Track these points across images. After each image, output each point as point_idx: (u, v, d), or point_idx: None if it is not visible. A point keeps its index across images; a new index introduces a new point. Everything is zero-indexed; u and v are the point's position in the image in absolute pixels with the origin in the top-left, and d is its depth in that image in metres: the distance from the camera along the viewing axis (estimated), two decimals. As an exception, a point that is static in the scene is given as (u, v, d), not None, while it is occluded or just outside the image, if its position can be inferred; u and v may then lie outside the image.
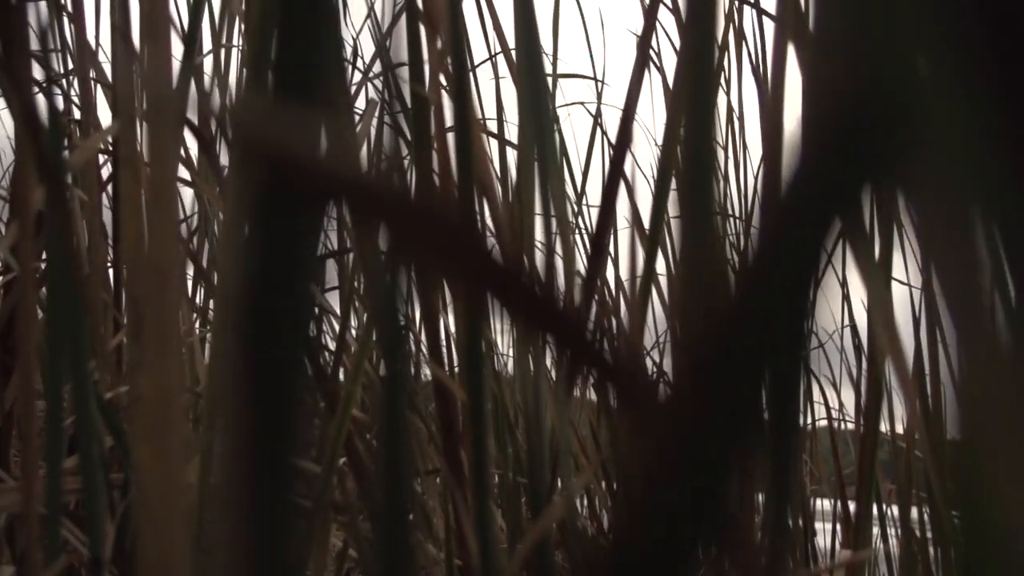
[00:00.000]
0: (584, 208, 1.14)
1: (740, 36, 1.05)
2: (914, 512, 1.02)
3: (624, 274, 0.97)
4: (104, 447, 0.55)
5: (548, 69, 1.03)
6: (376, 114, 0.78)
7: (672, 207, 0.59)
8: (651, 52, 1.07)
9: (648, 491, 0.15)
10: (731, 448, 0.14)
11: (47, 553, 0.49)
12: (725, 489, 0.14)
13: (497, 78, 0.87)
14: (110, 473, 0.56)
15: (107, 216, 0.93)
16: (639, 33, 0.65)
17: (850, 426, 1.36)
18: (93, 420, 0.43)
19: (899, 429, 1.09)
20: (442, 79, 0.57)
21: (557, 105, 1.11)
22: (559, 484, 0.57)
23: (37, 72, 0.64)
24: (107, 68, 0.96)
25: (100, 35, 1.06)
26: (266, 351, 0.13)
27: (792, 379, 0.14)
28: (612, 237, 1.04)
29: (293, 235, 0.13)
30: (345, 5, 1.13)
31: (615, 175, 0.56)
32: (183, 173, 0.91)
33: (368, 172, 0.11)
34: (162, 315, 0.29)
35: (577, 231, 1.17)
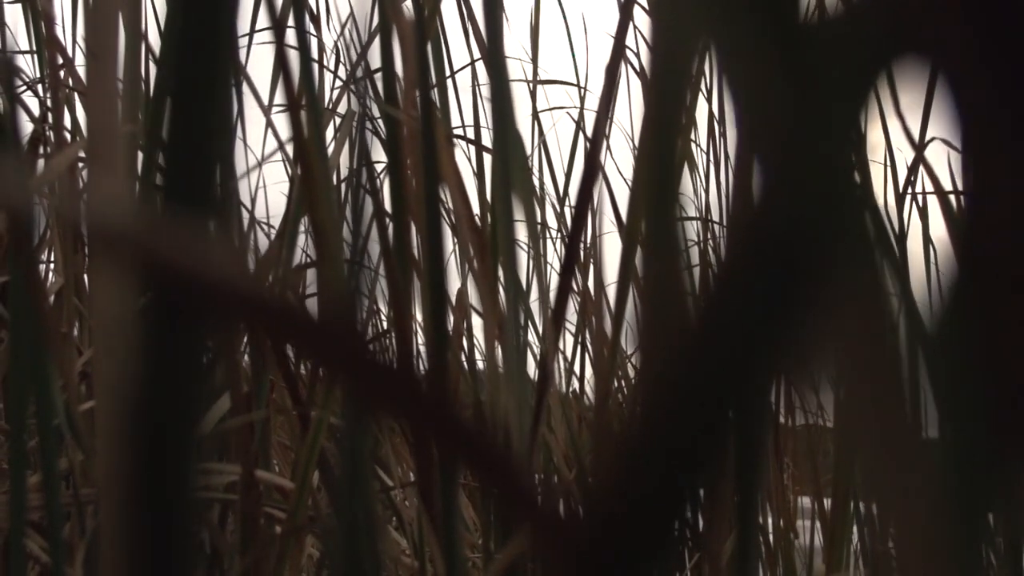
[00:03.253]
0: (567, 212, 1.14)
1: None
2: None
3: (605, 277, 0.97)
4: (74, 463, 0.54)
5: (529, 75, 1.02)
6: (355, 124, 0.78)
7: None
8: (627, 54, 1.06)
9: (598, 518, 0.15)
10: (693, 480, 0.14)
11: (11, 567, 0.48)
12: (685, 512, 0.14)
13: (476, 84, 0.87)
14: (80, 489, 0.56)
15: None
16: (614, 34, 0.65)
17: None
18: (54, 436, 0.42)
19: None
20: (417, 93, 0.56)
21: (540, 110, 1.11)
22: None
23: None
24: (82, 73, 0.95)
25: (76, 39, 1.05)
26: (153, 459, 0.13)
27: (764, 384, 0.13)
28: (593, 242, 1.04)
29: (179, 347, 0.13)
30: (327, 10, 1.13)
31: (585, 197, 0.56)
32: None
33: (252, 284, 0.11)
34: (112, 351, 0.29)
35: (560, 236, 1.17)
